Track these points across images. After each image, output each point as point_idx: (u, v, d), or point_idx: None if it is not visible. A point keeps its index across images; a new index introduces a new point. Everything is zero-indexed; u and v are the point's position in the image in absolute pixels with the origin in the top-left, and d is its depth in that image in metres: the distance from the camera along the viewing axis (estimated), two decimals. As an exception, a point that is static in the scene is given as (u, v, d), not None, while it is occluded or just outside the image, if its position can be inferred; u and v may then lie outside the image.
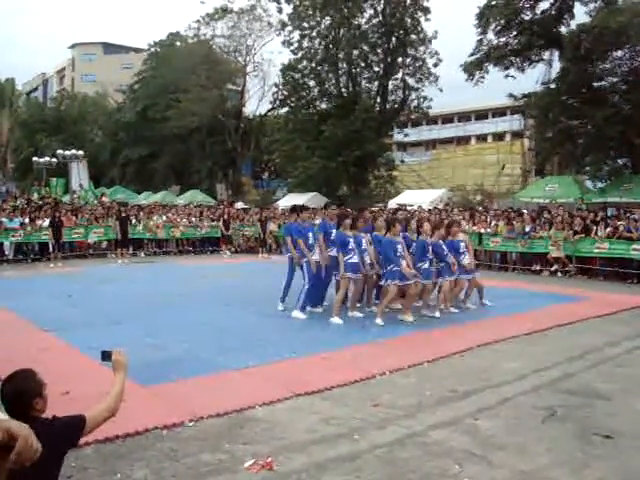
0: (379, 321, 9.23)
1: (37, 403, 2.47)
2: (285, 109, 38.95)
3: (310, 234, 10.08)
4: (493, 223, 19.06)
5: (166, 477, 4.07)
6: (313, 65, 35.79)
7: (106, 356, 2.92)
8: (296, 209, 10.65)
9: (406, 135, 43.27)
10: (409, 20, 34.48)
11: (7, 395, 2.44)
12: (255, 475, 4.09)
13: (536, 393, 5.96)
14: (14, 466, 1.71)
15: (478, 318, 10.05)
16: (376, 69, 35.81)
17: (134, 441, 4.64)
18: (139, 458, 4.35)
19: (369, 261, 9.93)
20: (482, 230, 18.50)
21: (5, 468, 1.66)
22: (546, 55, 26.81)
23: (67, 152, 33.50)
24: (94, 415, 2.62)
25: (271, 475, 4.10)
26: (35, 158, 37.25)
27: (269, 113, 43.73)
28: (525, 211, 20.44)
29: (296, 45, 35.89)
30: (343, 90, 35.90)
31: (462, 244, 10.62)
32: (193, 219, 24.29)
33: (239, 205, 32.28)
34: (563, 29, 25.30)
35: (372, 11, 34.98)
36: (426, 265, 9.79)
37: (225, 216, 23.08)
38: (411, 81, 35.69)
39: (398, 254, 9.34)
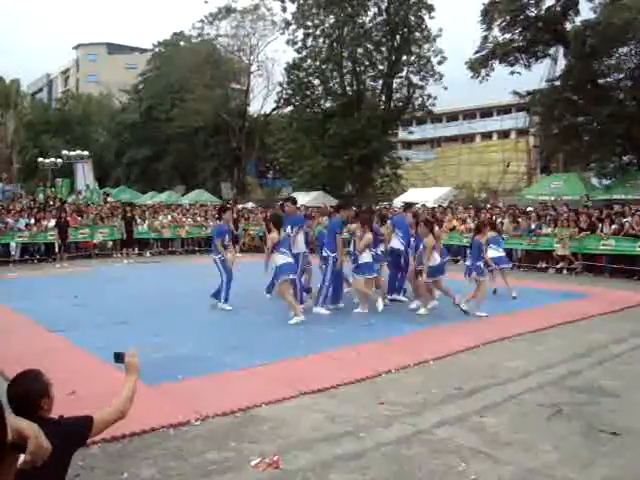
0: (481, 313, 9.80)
1: (45, 403, 2.47)
2: (289, 108, 38.92)
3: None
4: (499, 221, 19.01)
5: (173, 476, 4.09)
6: (317, 64, 35.75)
7: (119, 358, 2.94)
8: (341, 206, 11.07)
9: (411, 133, 43.25)
10: (413, 18, 34.41)
11: (14, 396, 2.43)
12: (262, 473, 4.10)
13: (542, 390, 5.95)
14: (26, 466, 1.72)
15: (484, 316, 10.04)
16: (380, 67, 35.74)
17: (141, 440, 4.66)
18: (146, 457, 4.36)
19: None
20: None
21: (14, 467, 1.66)
22: (551, 51, 26.74)
23: (72, 153, 33.65)
24: (103, 416, 2.64)
25: (277, 473, 4.11)
26: (40, 159, 37.35)
27: (273, 112, 43.70)
28: (531, 208, 20.40)
29: (300, 44, 35.87)
30: (347, 88, 35.85)
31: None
32: (198, 218, 24.32)
33: (249, 205, 32.15)
34: (568, 25, 25.23)
35: (376, 9, 34.91)
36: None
37: (234, 215, 22.98)
38: (415, 79, 35.60)
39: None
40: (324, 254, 10.36)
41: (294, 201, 11.43)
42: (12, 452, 1.65)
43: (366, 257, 9.83)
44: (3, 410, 1.65)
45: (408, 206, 12.33)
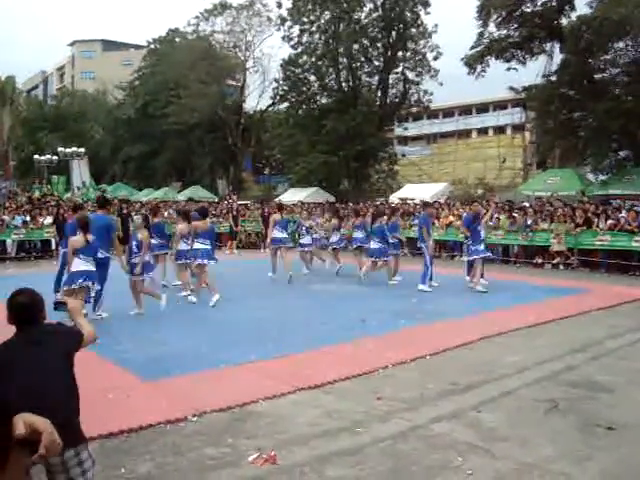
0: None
1: (44, 313, 3.00)
2: (285, 104, 38.86)
3: None
4: (495, 216, 19.02)
5: (170, 472, 4.09)
6: (313, 60, 35.70)
7: (60, 305, 3.32)
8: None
9: (407, 129, 43.22)
10: (409, 14, 34.37)
11: (22, 303, 2.93)
12: (259, 469, 4.11)
13: (538, 385, 5.97)
14: (40, 460, 1.73)
15: (480, 311, 10.06)
16: (376, 63, 35.72)
17: (138, 436, 4.65)
18: (143, 453, 4.36)
19: None
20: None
21: (24, 462, 1.66)
22: (547, 47, 26.74)
23: (68, 149, 33.56)
24: (86, 336, 3.13)
25: (274, 469, 4.11)
26: (36, 156, 37.24)
27: (269, 108, 43.62)
28: (527, 204, 20.41)
29: (296, 40, 35.82)
30: (343, 85, 35.81)
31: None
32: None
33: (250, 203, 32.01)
34: (564, 21, 25.22)
35: (372, 5, 34.87)
36: None
37: (234, 212, 22.79)
38: (411, 75, 35.63)
39: None
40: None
41: (100, 203, 10.06)
42: (22, 448, 1.65)
43: (182, 245, 11.20)
44: (9, 405, 1.66)
45: (473, 202, 14.89)
